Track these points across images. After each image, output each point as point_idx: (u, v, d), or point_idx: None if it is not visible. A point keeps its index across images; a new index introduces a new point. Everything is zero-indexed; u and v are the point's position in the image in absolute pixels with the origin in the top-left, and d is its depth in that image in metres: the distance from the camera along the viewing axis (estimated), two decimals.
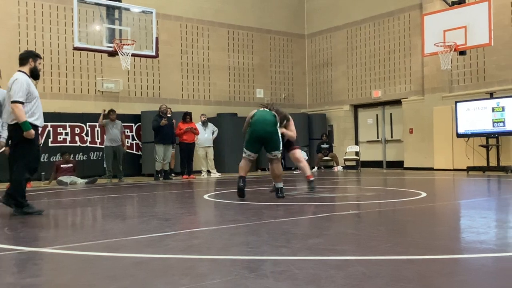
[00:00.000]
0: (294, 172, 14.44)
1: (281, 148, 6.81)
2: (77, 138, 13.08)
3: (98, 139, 13.21)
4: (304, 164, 7.49)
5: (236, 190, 6.69)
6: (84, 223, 5.50)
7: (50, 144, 12.54)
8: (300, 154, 7.51)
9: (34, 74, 5.71)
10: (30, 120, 5.45)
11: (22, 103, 5.40)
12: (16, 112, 5.35)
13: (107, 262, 3.16)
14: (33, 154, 5.59)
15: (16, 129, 5.43)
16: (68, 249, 3.55)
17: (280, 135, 6.80)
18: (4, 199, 5.62)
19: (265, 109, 6.90)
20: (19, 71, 5.65)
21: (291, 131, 7.26)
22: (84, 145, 13.16)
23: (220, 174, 13.60)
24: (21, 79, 5.47)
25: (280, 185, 6.74)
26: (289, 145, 7.43)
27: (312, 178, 7.43)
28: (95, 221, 5.62)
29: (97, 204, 7.12)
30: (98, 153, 13.15)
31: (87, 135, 13.22)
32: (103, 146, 12.24)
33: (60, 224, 5.22)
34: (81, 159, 12.97)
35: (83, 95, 13.55)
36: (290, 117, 7.32)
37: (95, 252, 3.43)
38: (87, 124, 13.21)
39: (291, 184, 9.37)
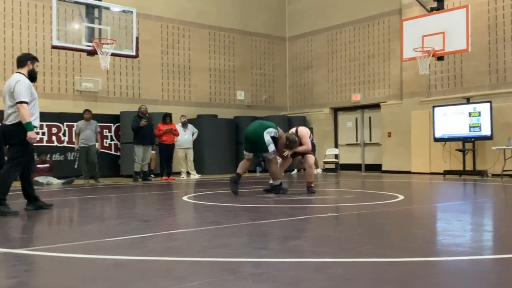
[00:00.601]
0: None
1: (270, 151, 7.25)
2: (54, 138, 12.88)
3: (75, 139, 13.02)
4: (313, 171, 7.90)
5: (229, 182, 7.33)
6: (60, 224, 5.41)
7: None
8: (313, 161, 7.84)
9: (32, 77, 5.81)
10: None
11: (27, 103, 5.50)
12: (22, 112, 5.46)
13: (85, 264, 3.12)
14: (29, 153, 5.72)
15: (19, 129, 5.50)
16: (44, 250, 3.50)
17: (266, 140, 7.20)
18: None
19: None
20: (17, 72, 5.73)
21: (305, 144, 7.59)
22: (61, 145, 12.97)
23: (199, 175, 13.55)
24: (23, 81, 5.58)
25: (276, 182, 7.24)
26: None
27: (312, 185, 7.74)
28: (72, 222, 5.54)
29: (74, 205, 7.02)
30: (75, 153, 12.95)
31: (64, 135, 13.03)
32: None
33: (36, 225, 5.14)
34: (58, 159, 12.78)
35: (61, 94, 13.36)
36: (304, 134, 7.62)
37: (72, 253, 3.37)
38: (65, 124, 13.01)
39: None
